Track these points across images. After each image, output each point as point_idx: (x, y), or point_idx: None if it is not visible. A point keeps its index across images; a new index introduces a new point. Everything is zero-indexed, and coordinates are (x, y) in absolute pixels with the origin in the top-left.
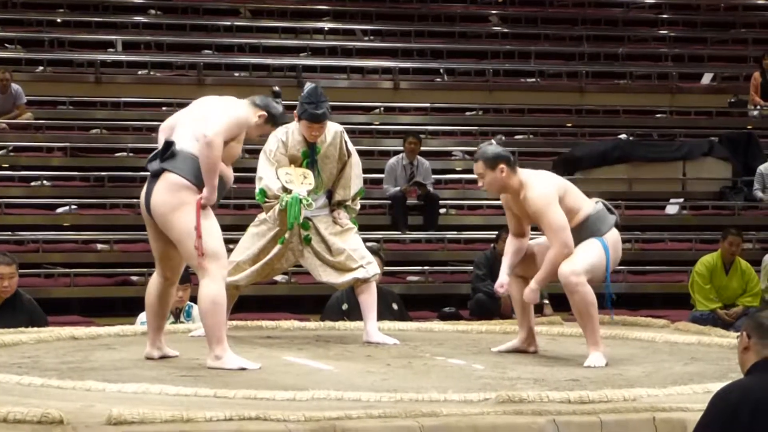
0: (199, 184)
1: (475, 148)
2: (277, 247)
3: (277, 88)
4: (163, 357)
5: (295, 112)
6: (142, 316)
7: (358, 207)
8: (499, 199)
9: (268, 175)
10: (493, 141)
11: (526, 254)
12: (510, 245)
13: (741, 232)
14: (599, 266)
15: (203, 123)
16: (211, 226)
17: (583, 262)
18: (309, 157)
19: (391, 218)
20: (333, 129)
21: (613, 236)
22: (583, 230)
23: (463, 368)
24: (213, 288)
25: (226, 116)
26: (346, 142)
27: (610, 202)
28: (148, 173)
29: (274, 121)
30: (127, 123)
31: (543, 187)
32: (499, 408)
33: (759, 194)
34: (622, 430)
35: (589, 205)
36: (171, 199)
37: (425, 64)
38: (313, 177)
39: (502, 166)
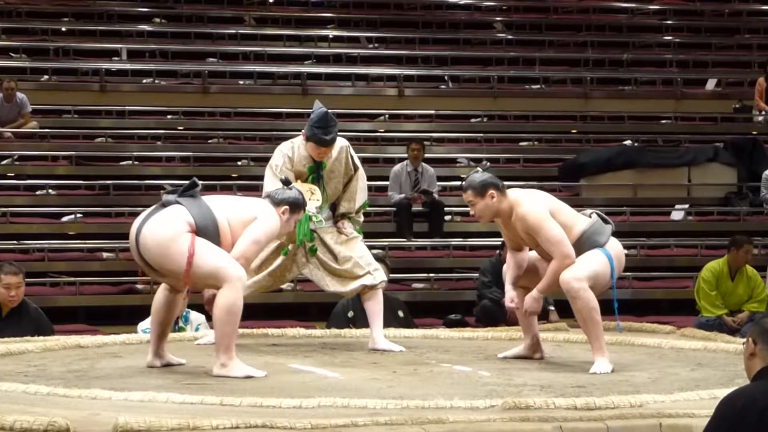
0: (200, 228)
1: (480, 155)
2: (280, 258)
3: (284, 177)
4: (168, 365)
5: (303, 131)
6: (142, 324)
7: (362, 219)
8: None
9: None
10: (479, 168)
11: (528, 266)
12: (510, 260)
13: (751, 238)
14: (603, 274)
15: (241, 218)
16: (210, 247)
17: (586, 269)
18: (315, 172)
19: (397, 225)
20: (339, 144)
21: (615, 245)
22: (581, 246)
23: (469, 375)
24: (230, 296)
25: (261, 231)
26: (352, 157)
27: (616, 208)
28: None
29: (297, 209)
30: (132, 131)
31: (533, 202)
32: (505, 415)
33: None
34: None
35: (582, 221)
36: (171, 228)
37: (430, 71)
38: (320, 193)
39: (491, 191)
